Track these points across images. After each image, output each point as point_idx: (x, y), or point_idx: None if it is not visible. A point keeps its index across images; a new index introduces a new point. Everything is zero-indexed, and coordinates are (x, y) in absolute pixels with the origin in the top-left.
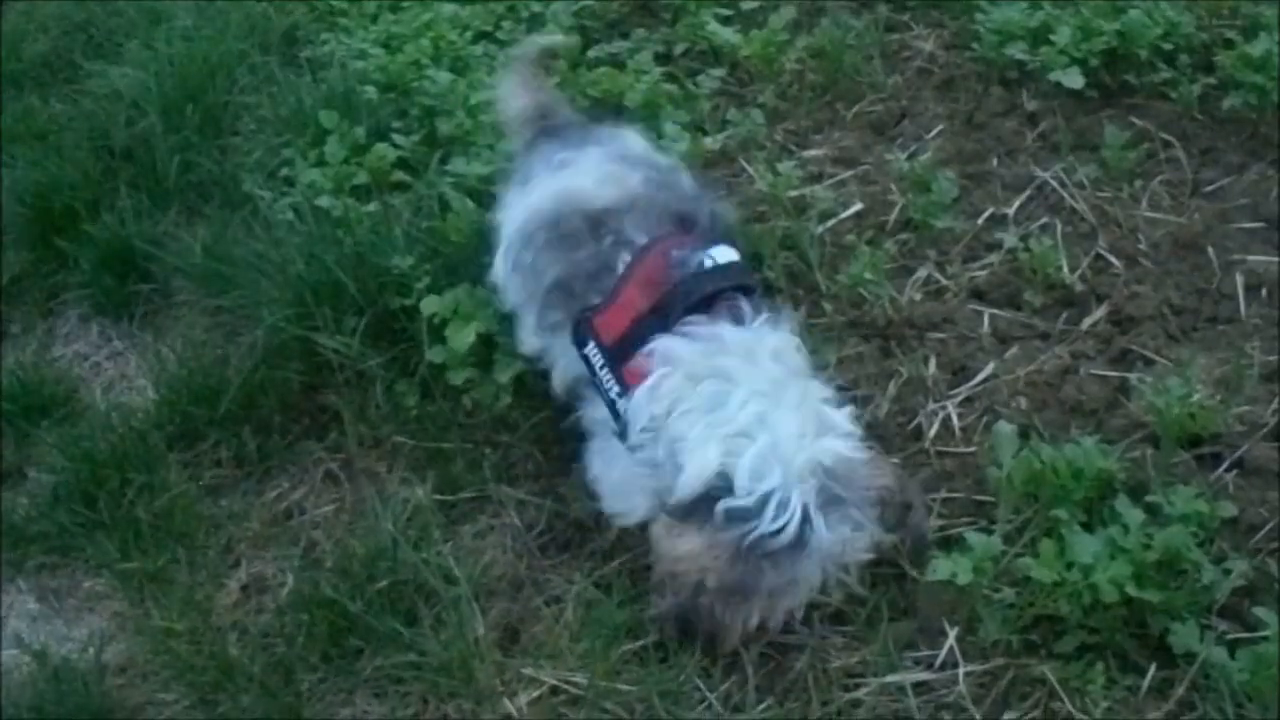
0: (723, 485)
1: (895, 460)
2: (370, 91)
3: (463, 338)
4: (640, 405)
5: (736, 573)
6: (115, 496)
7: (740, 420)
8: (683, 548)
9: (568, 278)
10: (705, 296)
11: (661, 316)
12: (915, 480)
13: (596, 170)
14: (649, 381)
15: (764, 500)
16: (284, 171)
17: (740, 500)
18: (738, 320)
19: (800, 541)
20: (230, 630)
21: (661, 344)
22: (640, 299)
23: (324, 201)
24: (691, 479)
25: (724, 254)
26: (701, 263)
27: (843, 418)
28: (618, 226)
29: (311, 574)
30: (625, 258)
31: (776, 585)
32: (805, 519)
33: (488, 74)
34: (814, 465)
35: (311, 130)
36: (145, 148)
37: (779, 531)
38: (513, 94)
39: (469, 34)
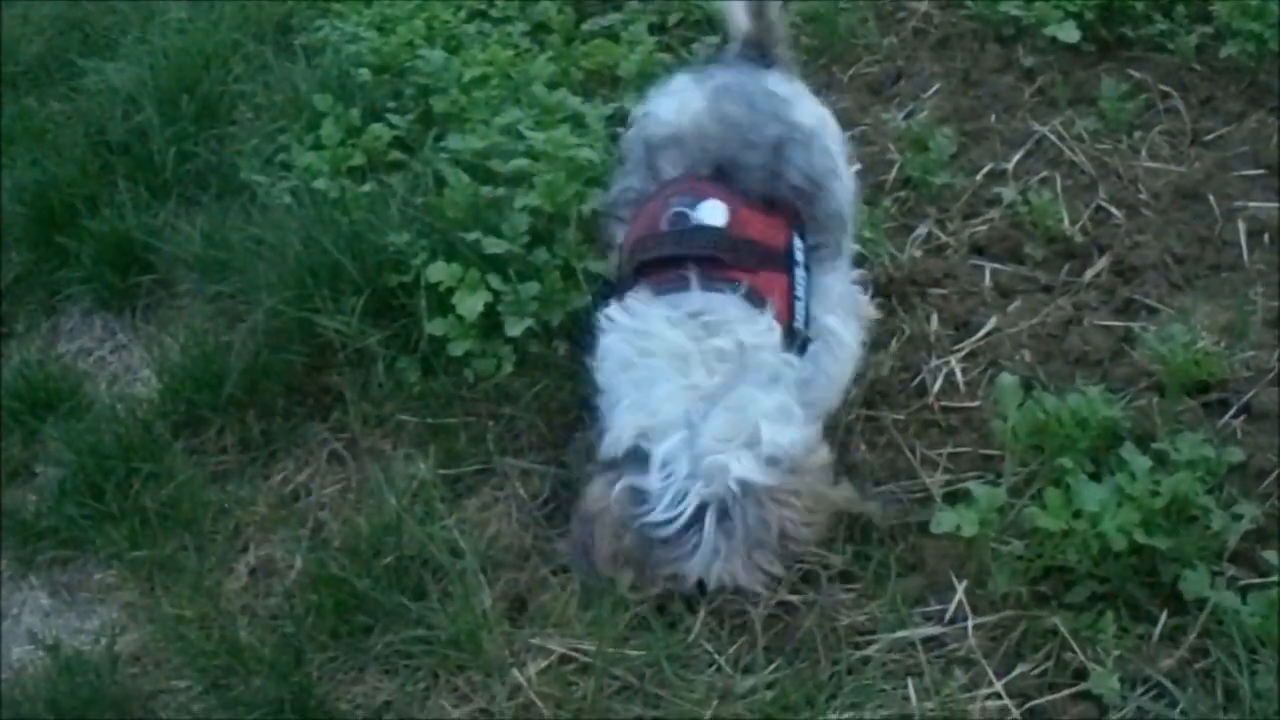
0: (634, 461)
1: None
2: (364, 74)
3: (471, 305)
4: (599, 364)
5: (623, 543)
6: (122, 487)
7: (661, 414)
8: (591, 494)
9: (618, 201)
10: (661, 258)
11: (626, 263)
12: (867, 493)
13: (678, 99)
14: (602, 344)
15: (664, 490)
16: (280, 157)
17: (642, 482)
18: (681, 290)
19: (683, 537)
20: (240, 614)
21: (613, 309)
22: (633, 235)
23: (321, 184)
24: (608, 448)
25: (712, 213)
26: (684, 218)
27: (782, 436)
28: (659, 159)
29: (319, 554)
30: (652, 189)
31: (658, 562)
32: (696, 519)
33: (481, 50)
34: (722, 472)
35: (307, 115)
36: (142, 141)
37: (668, 522)
38: (737, 13)
39: (462, 13)
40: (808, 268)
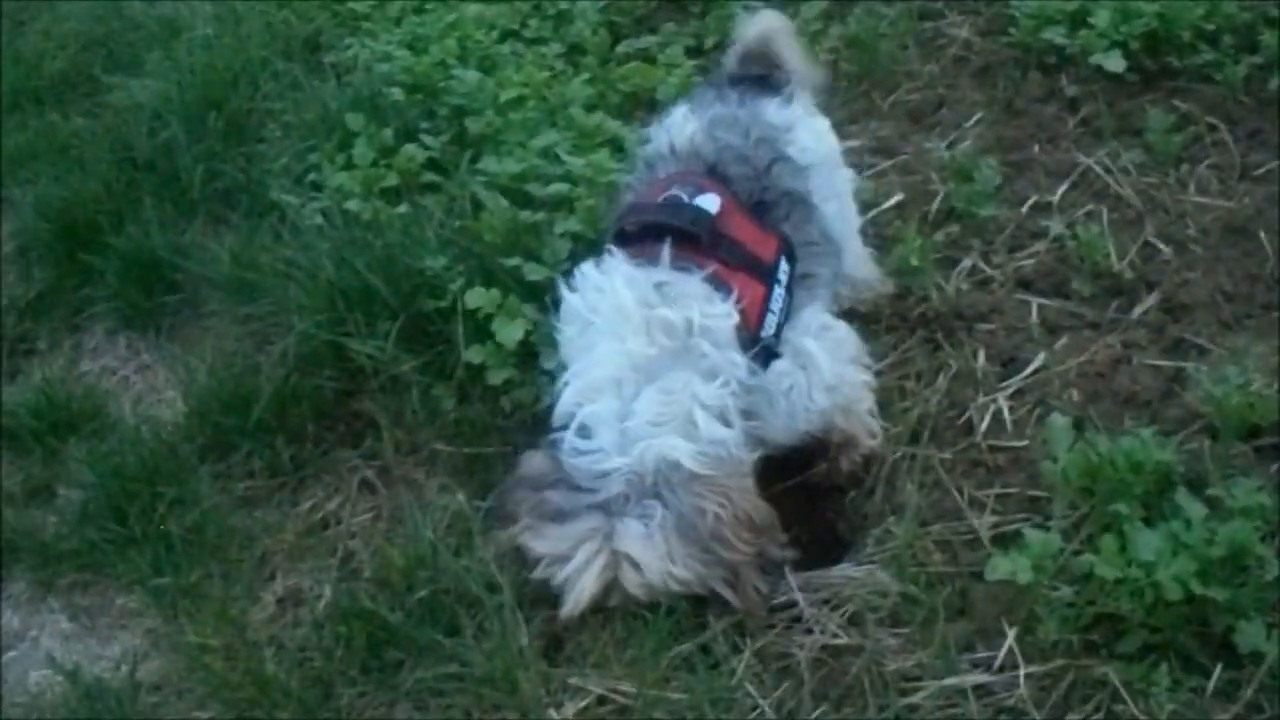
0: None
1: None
2: (397, 93)
3: (511, 332)
4: (561, 325)
5: (535, 473)
6: (146, 511)
7: (592, 376)
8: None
9: (620, 213)
10: (643, 226)
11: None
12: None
13: (675, 127)
14: (564, 304)
15: (588, 452)
16: (311, 177)
17: (568, 442)
18: (652, 262)
19: (594, 494)
20: (266, 645)
21: (585, 266)
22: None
23: (353, 205)
24: (556, 416)
25: (706, 202)
26: (679, 199)
27: (717, 433)
28: (656, 168)
29: (349, 585)
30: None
31: (551, 506)
32: (612, 484)
33: (516, 71)
34: (656, 459)
35: (338, 134)
36: (168, 158)
37: (588, 490)
38: (748, 27)
39: (495, 33)
40: (790, 290)
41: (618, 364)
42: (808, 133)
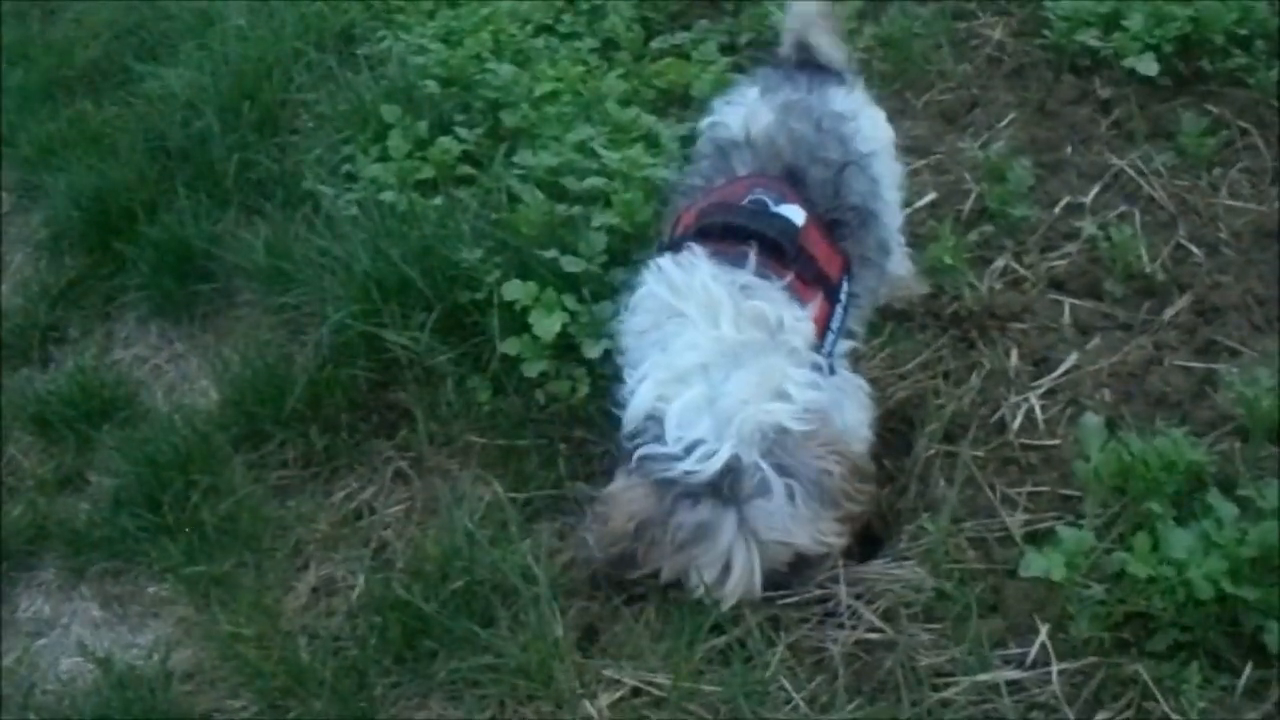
0: (652, 429)
1: (979, 451)
2: (431, 86)
3: (548, 324)
4: (628, 315)
5: (649, 508)
6: (179, 500)
7: (677, 365)
8: (613, 486)
9: (683, 187)
10: (726, 226)
11: (688, 227)
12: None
13: (746, 110)
14: (638, 293)
15: (689, 447)
16: (345, 168)
17: (663, 448)
18: (736, 265)
19: (719, 491)
20: (300, 634)
21: (664, 259)
22: (702, 204)
23: (388, 196)
24: (630, 416)
25: (792, 213)
26: (765, 204)
27: (807, 392)
28: (732, 158)
29: (383, 575)
30: (720, 181)
31: (688, 528)
32: (730, 471)
33: (550, 66)
34: (757, 427)
35: (373, 126)
36: (202, 148)
37: (693, 480)
38: (793, 15)
39: (529, 27)
40: (846, 310)
41: (705, 350)
42: (869, 121)
